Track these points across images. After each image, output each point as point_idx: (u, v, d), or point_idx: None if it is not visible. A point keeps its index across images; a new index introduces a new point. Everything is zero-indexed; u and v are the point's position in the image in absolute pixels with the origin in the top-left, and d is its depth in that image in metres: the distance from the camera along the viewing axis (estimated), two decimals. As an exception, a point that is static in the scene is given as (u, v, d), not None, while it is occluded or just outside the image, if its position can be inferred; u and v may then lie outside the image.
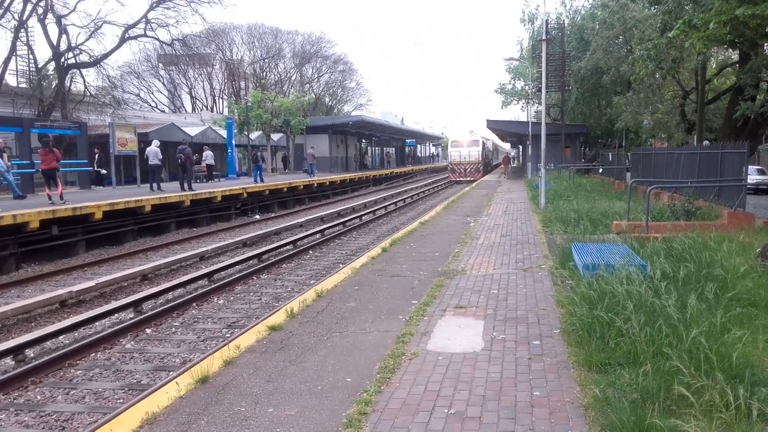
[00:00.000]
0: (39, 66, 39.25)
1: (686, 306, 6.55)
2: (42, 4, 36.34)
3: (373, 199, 36.00)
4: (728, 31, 13.13)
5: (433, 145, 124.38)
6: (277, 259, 16.41)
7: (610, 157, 36.79)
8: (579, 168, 39.28)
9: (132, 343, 9.75)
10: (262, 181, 33.52)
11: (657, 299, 6.76)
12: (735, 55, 30.56)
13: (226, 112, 61.58)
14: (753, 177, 27.60)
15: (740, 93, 23.71)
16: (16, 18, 35.61)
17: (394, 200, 34.61)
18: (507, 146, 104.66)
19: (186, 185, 26.08)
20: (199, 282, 13.71)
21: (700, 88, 28.00)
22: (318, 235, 20.80)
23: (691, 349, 5.49)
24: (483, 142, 57.30)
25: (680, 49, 21.22)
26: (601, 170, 38.06)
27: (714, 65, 34.95)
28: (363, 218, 25.92)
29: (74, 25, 42.39)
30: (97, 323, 10.66)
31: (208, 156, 37.01)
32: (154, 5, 40.36)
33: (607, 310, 6.64)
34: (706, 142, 26.10)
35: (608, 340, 6.20)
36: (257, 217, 28.61)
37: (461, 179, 53.92)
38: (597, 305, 6.90)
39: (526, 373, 5.99)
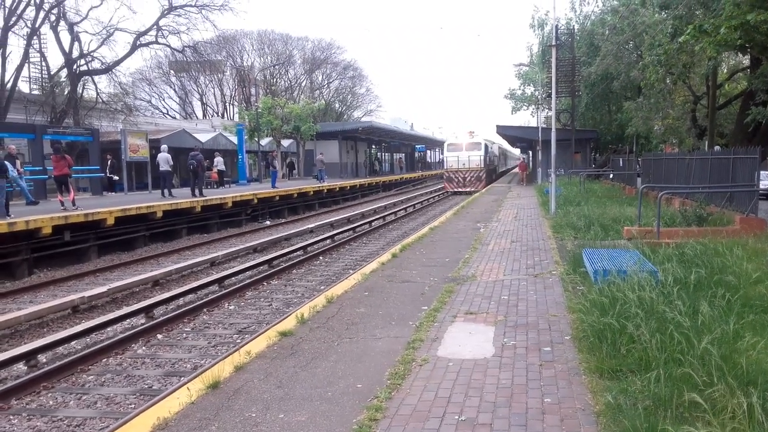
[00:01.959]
0: (51, 73, 39.56)
1: (698, 312, 6.52)
2: (54, 11, 36.64)
3: (382, 204, 35.99)
4: (739, 36, 13.09)
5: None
6: (287, 264, 16.44)
7: (621, 162, 36.70)
8: (589, 173, 39.09)
9: (143, 348, 9.79)
10: (273, 186, 33.62)
11: (668, 306, 6.72)
12: (746, 60, 30.45)
13: (236, 118, 61.77)
14: (765, 182, 27.38)
15: (751, 98, 23.58)
16: (29, 25, 35.93)
17: (404, 206, 34.57)
18: (517, 152, 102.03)
19: (197, 191, 26.17)
20: (210, 288, 13.75)
21: (711, 93, 27.88)
22: (328, 241, 20.81)
23: (704, 355, 5.45)
24: (486, 146, 49.19)
25: (691, 54, 21.18)
26: (611, 176, 37.93)
27: (725, 70, 34.83)
28: (373, 224, 25.94)
29: (86, 32, 42.92)
30: (108, 329, 10.71)
31: (219, 162, 37.14)
32: (166, 12, 40.59)
33: (618, 317, 6.61)
34: (717, 148, 25.97)
35: (620, 347, 6.17)
36: (267, 222, 28.65)
37: (459, 190, 46.28)
38: (608, 312, 6.86)
39: (537, 379, 5.96)
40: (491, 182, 53.04)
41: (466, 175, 46.35)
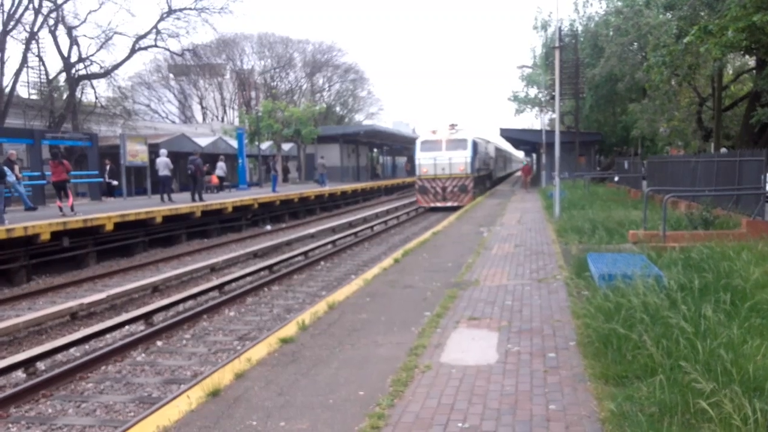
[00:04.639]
0: (50, 77, 39.59)
1: (704, 317, 6.43)
2: (53, 15, 36.71)
3: (385, 209, 35.89)
4: (745, 37, 13.03)
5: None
6: (288, 270, 16.35)
7: (626, 165, 36.46)
8: (594, 176, 39.00)
9: (143, 355, 9.72)
10: (274, 191, 33.59)
11: (673, 311, 6.64)
12: (752, 62, 30.36)
13: (236, 122, 61.70)
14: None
15: (757, 99, 23.54)
16: (27, 30, 36.01)
17: (406, 210, 34.49)
18: (520, 154, 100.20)
19: (197, 196, 26.09)
20: (210, 294, 13.68)
21: (717, 94, 27.80)
22: (329, 246, 20.74)
23: (709, 361, 5.40)
24: (475, 143, 36.36)
25: (696, 56, 21.06)
26: (616, 178, 37.76)
27: (731, 71, 34.71)
28: (375, 228, 25.86)
29: (85, 36, 43.12)
30: (107, 336, 10.65)
31: (219, 167, 37.05)
32: (165, 16, 40.66)
33: (624, 322, 6.55)
34: (723, 150, 25.89)
35: (625, 353, 6.12)
36: (268, 227, 28.57)
37: (437, 204, 34.14)
38: (613, 317, 6.81)
39: (541, 386, 5.91)
40: (485, 191, 43.52)
41: (446, 184, 34.24)
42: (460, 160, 34.06)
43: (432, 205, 34.34)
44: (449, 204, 33.61)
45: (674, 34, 22.42)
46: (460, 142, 34.59)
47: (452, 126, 35.74)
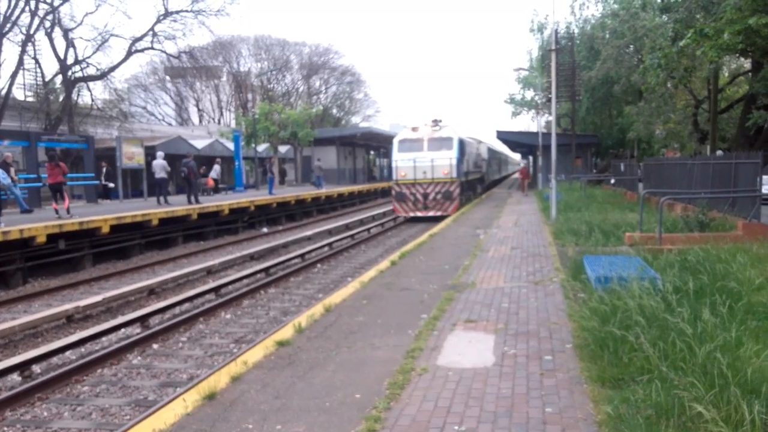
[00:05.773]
0: (46, 80, 39.60)
1: (700, 320, 6.44)
2: (49, 17, 36.67)
3: (381, 211, 35.78)
4: (741, 40, 13.07)
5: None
6: (284, 272, 16.33)
7: (622, 167, 36.42)
8: (590, 179, 38.99)
9: (139, 358, 9.70)
10: (270, 193, 33.56)
11: (670, 313, 6.65)
12: (747, 64, 30.46)
13: (233, 124, 61.60)
14: (768, 187, 27.28)
15: (753, 102, 23.62)
16: (24, 32, 35.94)
17: (403, 212, 34.40)
18: (517, 157, 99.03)
19: (193, 198, 26.04)
20: (207, 296, 13.67)
21: (713, 97, 27.90)
22: (326, 248, 20.71)
23: (706, 363, 5.39)
24: (462, 142, 31.20)
25: (692, 58, 21.15)
26: (612, 181, 37.74)
27: (726, 74, 34.83)
28: (371, 231, 25.85)
29: (81, 38, 42.96)
30: (103, 338, 10.62)
31: (214, 169, 36.98)
32: (161, 18, 40.64)
33: (620, 325, 6.56)
34: (719, 152, 25.93)
35: (621, 356, 6.12)
36: (265, 230, 28.55)
37: (417, 214, 29.76)
38: (609, 319, 6.82)
39: (538, 389, 5.90)
40: (476, 197, 39.29)
41: (428, 190, 29.57)
42: (444, 162, 29.41)
43: (411, 214, 30.02)
44: (431, 213, 29.38)
45: (670, 36, 22.49)
46: (445, 141, 29.95)
47: (435, 123, 30.75)
